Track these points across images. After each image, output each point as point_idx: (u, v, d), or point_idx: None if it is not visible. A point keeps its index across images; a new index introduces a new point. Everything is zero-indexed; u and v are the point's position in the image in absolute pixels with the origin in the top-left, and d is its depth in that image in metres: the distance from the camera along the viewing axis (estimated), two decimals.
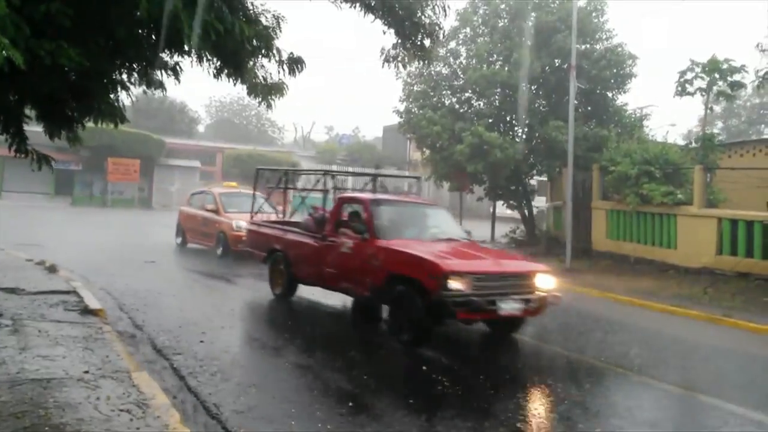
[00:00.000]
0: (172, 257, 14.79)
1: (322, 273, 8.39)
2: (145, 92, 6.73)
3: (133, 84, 6.30)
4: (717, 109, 36.47)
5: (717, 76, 14.79)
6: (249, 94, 6.83)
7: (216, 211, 14.68)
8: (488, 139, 16.95)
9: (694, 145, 16.11)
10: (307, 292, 9.79)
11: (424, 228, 8.49)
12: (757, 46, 14.20)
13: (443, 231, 8.59)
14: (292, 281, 9.31)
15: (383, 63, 7.57)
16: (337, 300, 9.46)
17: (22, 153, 6.27)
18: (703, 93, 15.32)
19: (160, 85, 6.45)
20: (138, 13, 4.54)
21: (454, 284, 6.54)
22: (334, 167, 38.85)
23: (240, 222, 13.38)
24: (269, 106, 7.00)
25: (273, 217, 11.89)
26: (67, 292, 8.38)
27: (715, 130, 38.56)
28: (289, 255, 9.21)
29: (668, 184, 14.18)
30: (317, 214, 9.22)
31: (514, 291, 7.06)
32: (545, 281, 7.33)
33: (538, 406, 5.52)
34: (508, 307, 6.88)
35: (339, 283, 8.23)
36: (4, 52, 3.70)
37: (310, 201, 11.62)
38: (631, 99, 40.50)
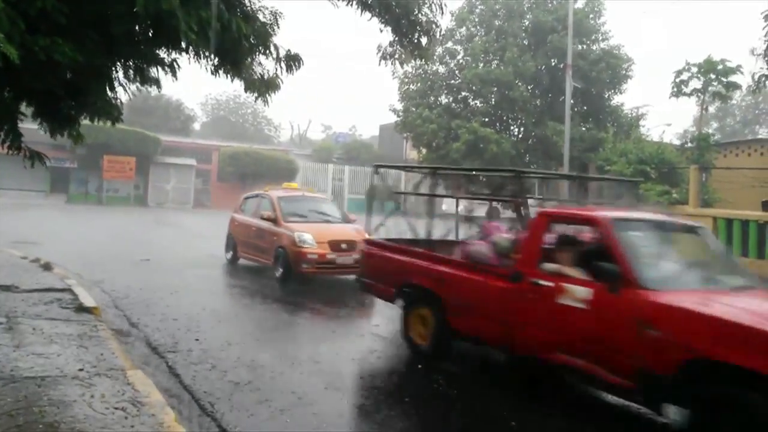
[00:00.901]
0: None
1: (515, 333, 5.44)
2: (139, 89, 6.69)
3: (129, 81, 6.28)
4: (712, 109, 36.58)
5: (712, 76, 14.86)
6: (246, 90, 6.82)
7: (274, 221, 11.48)
8: (484, 134, 16.99)
9: (689, 145, 16.17)
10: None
11: (702, 267, 5.42)
12: (752, 51, 14.30)
13: (728, 271, 5.56)
14: (446, 334, 6.25)
15: (380, 60, 7.56)
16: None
17: (15, 150, 6.24)
18: (699, 94, 15.39)
19: (156, 82, 6.43)
20: (135, 10, 4.52)
21: None
22: (330, 166, 38.99)
23: (304, 235, 10.69)
24: (266, 102, 7.00)
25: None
26: (62, 290, 8.35)
27: (710, 130, 38.70)
28: (447, 296, 6.16)
29: (664, 183, 14.24)
30: (498, 237, 6.24)
31: None
32: None
33: None
34: None
35: (552, 354, 5.11)
36: None
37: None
38: (627, 99, 40.57)
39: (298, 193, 13.32)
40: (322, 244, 10.56)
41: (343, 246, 10.65)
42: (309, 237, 10.61)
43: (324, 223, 11.64)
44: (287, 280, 10.77)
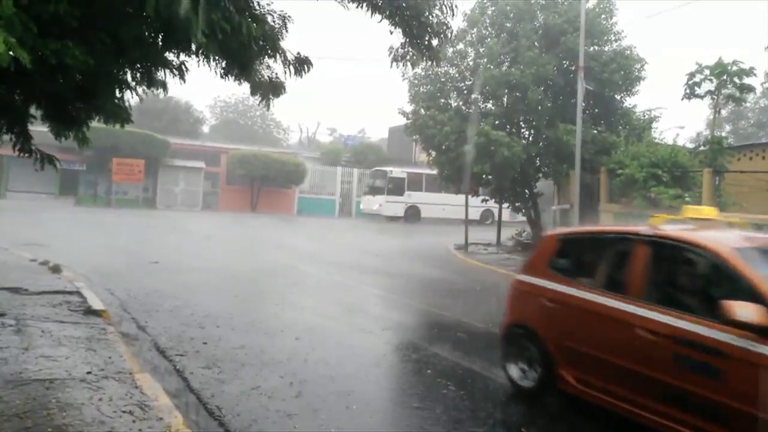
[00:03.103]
0: None
1: None
2: (146, 92, 6.69)
3: (137, 83, 6.27)
4: (725, 112, 36.30)
5: (726, 78, 14.71)
6: (253, 93, 6.80)
7: None
8: (495, 137, 16.86)
9: (702, 148, 16.01)
10: None
11: None
12: (767, 48, 14.14)
13: None
14: None
15: (391, 63, 7.49)
16: None
17: (26, 153, 6.25)
18: (712, 96, 15.23)
19: (164, 85, 6.42)
20: (145, 13, 4.51)
21: None
22: (339, 169, 39.02)
23: None
24: (268, 107, 6.98)
25: None
26: (71, 293, 8.37)
27: (724, 133, 38.34)
28: None
29: (677, 187, 14.11)
30: None
31: None
32: None
33: None
34: None
35: None
36: (10, 51, 3.66)
37: None
38: (639, 101, 40.32)
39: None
40: None
41: None
42: None
43: None
44: None
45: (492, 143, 16.90)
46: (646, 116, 18.96)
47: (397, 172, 33.04)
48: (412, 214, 32.38)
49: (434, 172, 25.59)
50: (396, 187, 32.36)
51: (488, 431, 4.77)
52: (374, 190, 33.27)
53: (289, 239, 21.23)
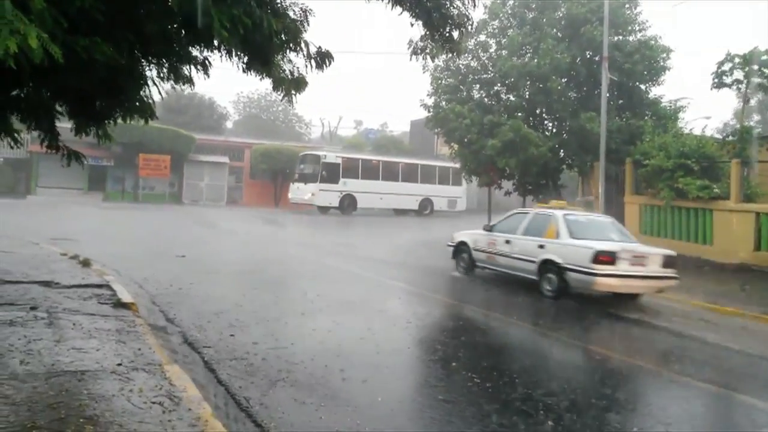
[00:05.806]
0: None
1: None
2: (173, 87, 6.76)
3: (162, 79, 6.34)
4: (752, 101, 35.40)
5: (756, 67, 14.37)
6: (275, 88, 6.82)
7: None
8: (525, 134, 16.67)
9: (731, 138, 15.68)
10: None
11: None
12: None
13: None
14: None
15: (411, 55, 7.46)
16: None
17: (53, 149, 6.37)
18: (741, 85, 14.88)
19: (189, 80, 6.48)
20: (168, 9, 4.56)
21: None
22: None
23: None
24: (291, 102, 6.99)
25: None
26: (100, 286, 8.50)
27: (752, 123, 37.42)
28: None
29: (704, 178, 13.84)
30: None
31: None
32: None
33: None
34: None
35: None
36: (44, 47, 3.71)
37: None
38: (665, 91, 39.54)
39: None
40: None
41: None
42: None
43: None
44: None
45: (522, 140, 16.71)
46: (672, 107, 18.59)
47: (331, 156, 29.80)
48: (348, 204, 29.35)
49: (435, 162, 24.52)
50: (330, 174, 29.01)
51: (513, 423, 4.75)
52: (305, 177, 29.46)
53: (312, 234, 21.32)
